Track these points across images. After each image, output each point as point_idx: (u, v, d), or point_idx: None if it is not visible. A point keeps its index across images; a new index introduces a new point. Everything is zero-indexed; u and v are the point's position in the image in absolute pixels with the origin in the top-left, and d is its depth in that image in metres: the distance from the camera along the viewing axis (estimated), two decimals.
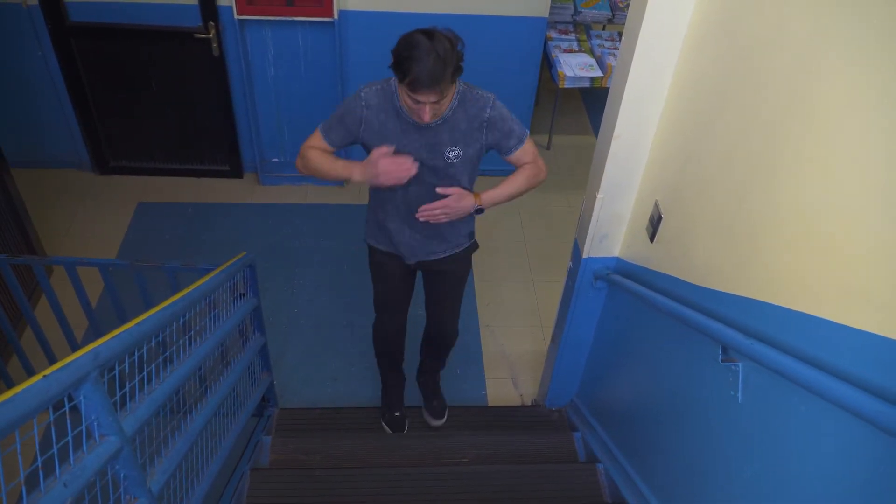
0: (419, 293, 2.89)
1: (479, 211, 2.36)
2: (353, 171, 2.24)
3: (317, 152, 2.31)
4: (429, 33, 1.93)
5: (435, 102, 2.02)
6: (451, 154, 2.24)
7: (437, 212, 2.29)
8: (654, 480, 2.34)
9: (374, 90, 2.20)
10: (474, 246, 2.65)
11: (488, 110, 2.20)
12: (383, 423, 3.24)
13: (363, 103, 2.20)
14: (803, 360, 1.40)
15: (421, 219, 2.29)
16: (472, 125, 2.21)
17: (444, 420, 3.27)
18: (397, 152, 2.21)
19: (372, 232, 2.59)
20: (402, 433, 3.21)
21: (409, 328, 3.04)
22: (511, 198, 2.39)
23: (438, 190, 2.25)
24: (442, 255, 2.57)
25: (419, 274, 2.78)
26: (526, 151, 2.33)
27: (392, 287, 2.76)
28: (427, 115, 2.05)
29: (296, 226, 4.34)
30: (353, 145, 2.34)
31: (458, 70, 2.00)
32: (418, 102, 2.02)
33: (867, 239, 1.24)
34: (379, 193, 2.42)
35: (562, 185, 4.80)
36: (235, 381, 2.50)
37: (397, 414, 3.22)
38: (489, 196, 2.35)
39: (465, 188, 2.35)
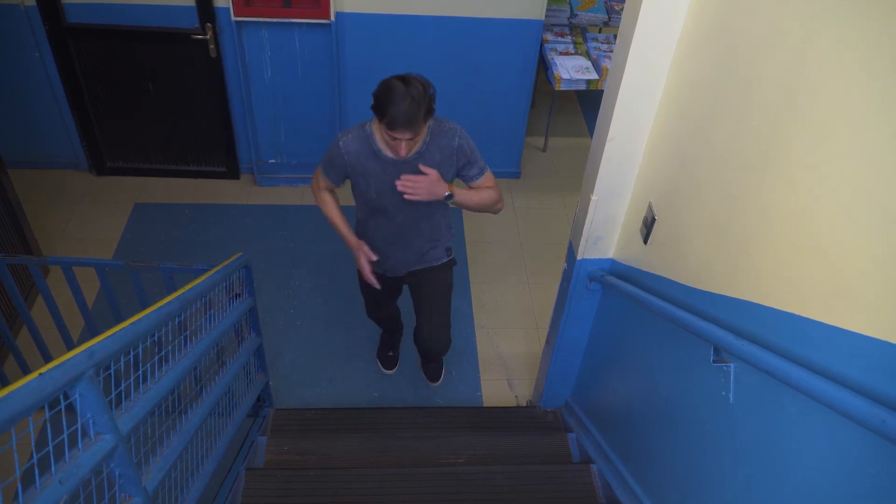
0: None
1: (448, 196, 2.49)
2: (348, 242, 2.68)
3: (329, 203, 2.69)
4: (404, 79, 2.19)
5: (410, 139, 2.26)
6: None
7: (415, 185, 2.42)
8: (648, 481, 2.35)
9: (351, 137, 2.45)
10: (452, 262, 2.89)
11: (457, 139, 2.45)
12: (377, 360, 3.64)
13: (343, 151, 2.46)
14: (794, 360, 1.41)
15: (399, 188, 2.42)
16: (445, 154, 2.45)
17: (440, 381, 3.57)
18: (381, 188, 2.49)
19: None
20: (392, 371, 3.61)
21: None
22: (474, 205, 2.59)
23: (420, 166, 2.43)
24: (425, 265, 2.81)
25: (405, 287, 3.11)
26: (487, 180, 2.58)
27: (378, 294, 2.95)
28: (403, 150, 2.30)
29: (292, 227, 4.35)
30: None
31: (430, 111, 2.26)
32: (395, 139, 2.26)
33: (857, 241, 1.25)
34: (366, 220, 2.68)
35: (557, 186, 4.82)
36: (231, 382, 2.51)
37: (391, 354, 3.61)
38: (460, 192, 2.53)
39: (441, 216, 2.68)
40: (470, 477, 2.82)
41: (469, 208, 2.61)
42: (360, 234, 2.74)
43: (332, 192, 2.71)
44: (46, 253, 3.91)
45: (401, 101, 2.15)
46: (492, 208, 2.63)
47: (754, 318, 1.60)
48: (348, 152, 2.45)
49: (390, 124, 2.20)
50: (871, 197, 1.21)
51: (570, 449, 3.08)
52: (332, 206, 2.70)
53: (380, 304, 3.17)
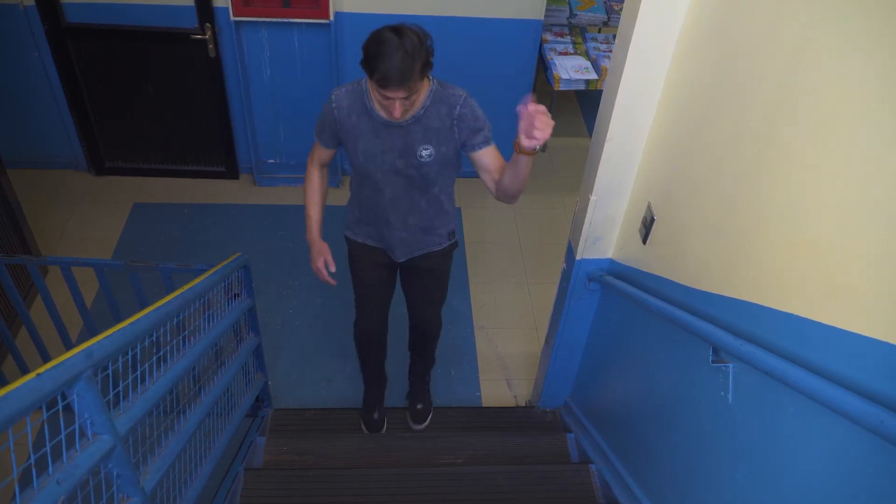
0: (400, 294, 2.89)
1: (541, 149, 2.06)
2: (310, 236, 2.55)
3: (313, 181, 2.50)
4: (397, 30, 1.96)
5: (405, 98, 2.02)
6: (424, 153, 2.23)
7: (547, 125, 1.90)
8: (647, 481, 2.35)
9: (345, 91, 2.24)
10: (454, 245, 2.65)
11: (458, 107, 2.20)
12: (361, 423, 3.25)
13: (334, 105, 2.25)
14: (792, 360, 1.41)
15: (537, 125, 1.88)
16: (445, 124, 2.21)
17: (424, 425, 3.27)
18: (369, 151, 2.26)
19: (351, 225, 2.61)
20: (380, 433, 3.22)
21: (395, 330, 3.03)
22: (527, 174, 2.13)
23: (529, 105, 1.90)
24: (425, 251, 2.58)
25: (398, 274, 2.79)
26: (492, 156, 2.26)
27: (371, 281, 2.75)
28: (397, 111, 2.05)
29: (291, 227, 4.34)
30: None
31: (427, 66, 2.01)
32: (388, 98, 2.02)
33: (855, 241, 1.25)
34: (359, 195, 2.47)
35: (556, 186, 4.82)
36: (229, 382, 2.51)
37: (375, 416, 3.22)
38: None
39: (441, 190, 2.40)
40: (469, 477, 2.82)
41: (525, 173, 2.12)
42: (352, 210, 2.56)
43: (324, 169, 2.51)
44: (45, 253, 3.91)
45: (393, 54, 1.91)
46: (524, 186, 2.21)
47: (753, 318, 1.60)
48: (339, 107, 2.24)
49: (382, 81, 1.95)
50: (869, 197, 1.21)
51: (569, 449, 3.08)
52: (315, 189, 2.49)
53: (373, 298, 2.80)
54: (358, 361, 3.14)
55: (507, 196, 2.26)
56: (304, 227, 2.58)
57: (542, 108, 1.87)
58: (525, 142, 1.92)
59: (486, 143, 2.26)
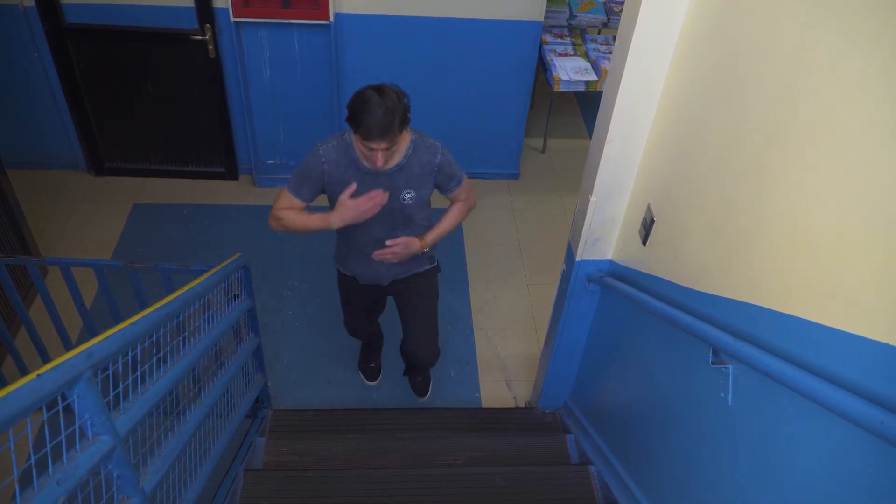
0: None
1: (427, 252, 2.67)
2: (330, 219, 2.42)
3: (292, 213, 2.51)
4: (378, 89, 2.18)
5: (386, 149, 2.25)
6: (407, 196, 2.47)
7: (389, 255, 2.55)
8: (646, 482, 2.35)
9: (331, 146, 2.41)
10: (436, 269, 2.87)
11: (438, 157, 2.45)
12: (359, 371, 3.57)
13: (322, 160, 2.41)
14: (792, 362, 1.41)
15: (376, 258, 2.55)
16: (425, 170, 2.46)
17: (427, 396, 3.49)
18: (359, 197, 2.40)
19: (340, 258, 2.82)
20: (376, 382, 3.55)
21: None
22: (451, 229, 2.67)
23: (388, 242, 2.51)
24: (405, 276, 2.78)
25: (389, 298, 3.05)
26: (462, 190, 2.59)
27: (359, 304, 3.03)
28: (380, 160, 2.28)
29: None
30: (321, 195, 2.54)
31: (405, 120, 2.25)
32: (371, 150, 2.24)
33: (854, 243, 1.25)
34: (345, 231, 2.60)
35: (556, 187, 4.83)
36: (229, 382, 2.51)
37: (372, 365, 3.54)
38: (431, 237, 2.62)
39: (419, 225, 2.62)
40: (468, 478, 2.82)
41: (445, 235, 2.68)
42: (340, 248, 2.76)
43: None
44: (45, 253, 3.91)
45: (375, 110, 2.13)
46: (463, 219, 2.70)
47: (753, 319, 1.60)
48: (328, 161, 2.41)
49: (365, 135, 2.18)
50: (869, 198, 1.21)
51: (569, 450, 3.08)
52: (298, 214, 2.52)
53: (361, 320, 3.14)
54: (335, 355, 3.52)
55: None
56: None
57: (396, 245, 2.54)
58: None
59: (458, 185, 2.58)
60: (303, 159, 2.46)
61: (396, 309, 3.03)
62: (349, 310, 3.09)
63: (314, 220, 2.49)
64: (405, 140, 2.39)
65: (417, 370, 3.41)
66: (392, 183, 2.42)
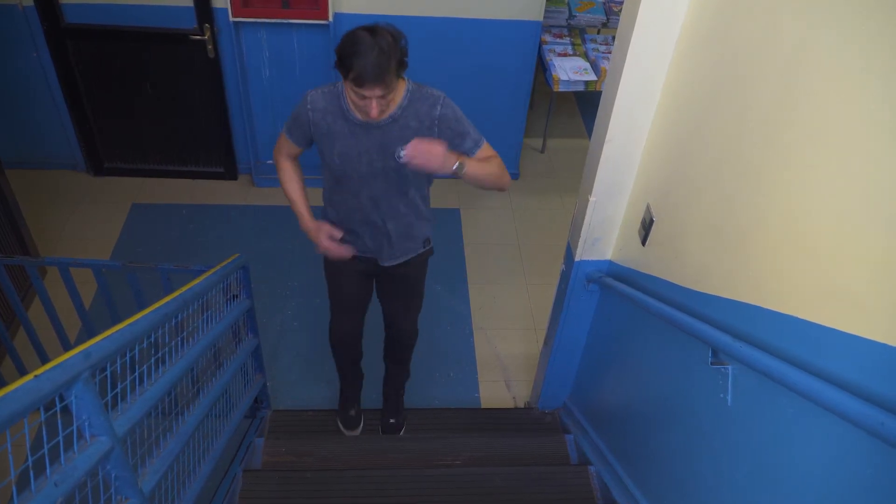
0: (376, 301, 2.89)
1: (459, 167, 2.14)
2: (304, 223, 2.44)
3: (289, 172, 2.45)
4: (371, 29, 1.96)
5: (381, 97, 2.02)
6: (402, 153, 2.14)
7: (426, 151, 2.07)
8: (646, 483, 2.35)
9: (320, 93, 2.22)
10: (430, 252, 2.67)
11: (438, 108, 2.19)
12: (338, 421, 3.23)
13: (309, 106, 2.23)
14: (791, 362, 1.41)
15: (406, 153, 2.07)
16: (423, 124, 2.19)
17: (401, 432, 3.26)
18: (345, 153, 2.24)
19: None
20: (356, 432, 3.21)
21: (369, 334, 3.00)
22: (484, 177, 2.25)
23: (424, 139, 2.09)
24: (403, 259, 2.57)
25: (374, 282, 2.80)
26: (486, 151, 2.28)
27: (347, 290, 2.76)
28: (374, 110, 2.04)
29: (290, 228, 4.33)
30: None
31: (402, 64, 2.02)
32: (364, 98, 2.01)
33: (854, 243, 1.25)
34: (333, 195, 2.44)
35: (556, 187, 4.82)
36: (228, 383, 2.50)
37: (352, 413, 3.21)
38: (471, 163, 2.20)
39: (417, 191, 2.40)
40: (467, 478, 2.82)
41: (479, 182, 2.27)
42: (327, 212, 2.52)
43: (295, 161, 2.47)
44: (44, 253, 3.90)
45: (368, 52, 1.90)
46: (500, 182, 2.32)
47: (752, 319, 1.60)
48: (314, 108, 2.21)
49: (357, 80, 1.94)
50: (868, 199, 1.21)
51: (568, 450, 3.08)
52: (292, 177, 2.46)
53: (349, 306, 2.82)
54: (334, 363, 3.15)
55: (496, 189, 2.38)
56: (299, 229, 2.52)
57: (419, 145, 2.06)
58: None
59: (476, 145, 2.27)
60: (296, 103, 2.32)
61: (378, 290, 2.82)
62: (336, 297, 2.80)
63: (297, 201, 2.46)
64: (401, 88, 2.15)
65: (396, 352, 3.11)
66: (384, 137, 2.19)
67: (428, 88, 2.20)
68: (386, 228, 2.43)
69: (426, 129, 2.20)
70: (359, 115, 2.16)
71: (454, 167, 2.13)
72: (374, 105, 2.03)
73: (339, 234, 2.40)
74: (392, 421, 3.25)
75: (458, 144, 2.23)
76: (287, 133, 2.36)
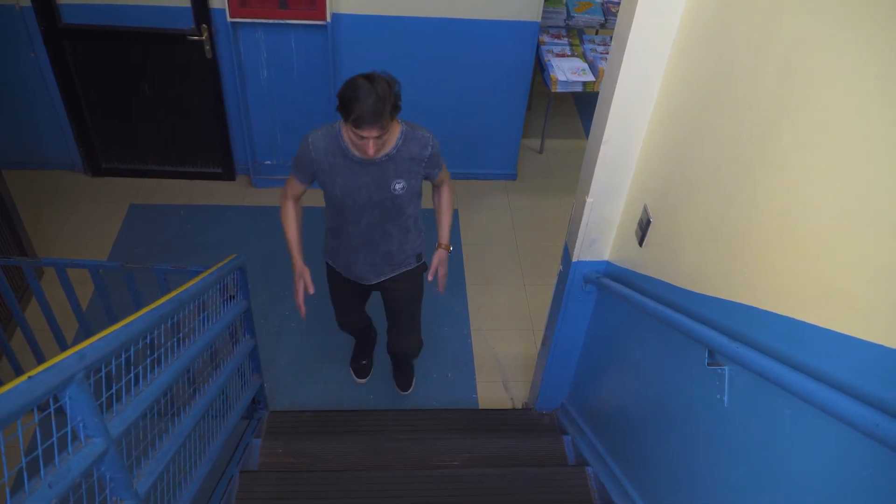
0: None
1: (447, 249, 2.79)
2: (294, 263, 2.69)
3: (290, 216, 2.67)
4: (369, 77, 2.17)
5: (377, 137, 2.23)
6: (398, 186, 2.47)
7: (445, 279, 2.85)
8: (643, 483, 2.35)
9: (320, 135, 2.43)
10: (423, 266, 2.88)
11: (430, 148, 2.46)
12: (350, 369, 3.58)
13: (311, 147, 2.43)
14: (788, 363, 1.41)
15: (441, 288, 2.85)
16: (416, 160, 2.45)
17: (410, 390, 3.53)
18: (347, 186, 2.46)
19: (330, 252, 2.83)
20: (365, 380, 3.56)
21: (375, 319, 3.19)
22: (451, 220, 2.80)
23: (430, 277, 2.81)
24: (392, 275, 2.80)
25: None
26: (443, 173, 2.65)
27: (348, 300, 3.04)
28: (371, 149, 2.26)
29: None
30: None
31: (396, 108, 2.24)
32: (363, 138, 2.23)
33: (850, 244, 1.25)
34: (335, 223, 2.66)
35: (553, 188, 4.82)
36: (225, 384, 2.50)
37: (364, 362, 3.55)
38: (446, 237, 2.77)
39: (409, 217, 2.65)
40: (465, 479, 2.82)
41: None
42: (329, 239, 2.76)
43: (298, 202, 2.69)
44: (41, 254, 3.90)
45: (366, 98, 2.12)
46: (454, 197, 2.82)
47: (749, 320, 1.60)
48: (316, 149, 2.42)
49: (357, 122, 2.17)
50: (865, 199, 1.21)
51: (566, 451, 3.07)
52: (292, 221, 2.68)
53: (350, 310, 3.13)
54: (332, 363, 3.57)
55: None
56: None
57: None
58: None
59: (440, 170, 2.60)
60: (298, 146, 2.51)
61: (383, 303, 3.05)
62: (339, 303, 3.09)
63: (292, 243, 2.68)
64: (396, 129, 2.39)
65: (401, 363, 3.46)
66: (381, 172, 2.43)
67: (418, 129, 2.46)
68: (379, 251, 2.68)
69: (417, 164, 2.47)
70: (357, 153, 2.37)
71: (447, 256, 2.78)
72: (372, 144, 2.25)
73: (311, 289, 2.68)
74: (403, 373, 3.53)
75: (432, 172, 2.56)
76: (294, 172, 2.57)
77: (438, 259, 2.78)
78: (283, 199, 2.66)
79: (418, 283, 2.92)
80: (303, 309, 2.71)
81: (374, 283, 2.81)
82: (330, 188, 2.50)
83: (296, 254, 2.68)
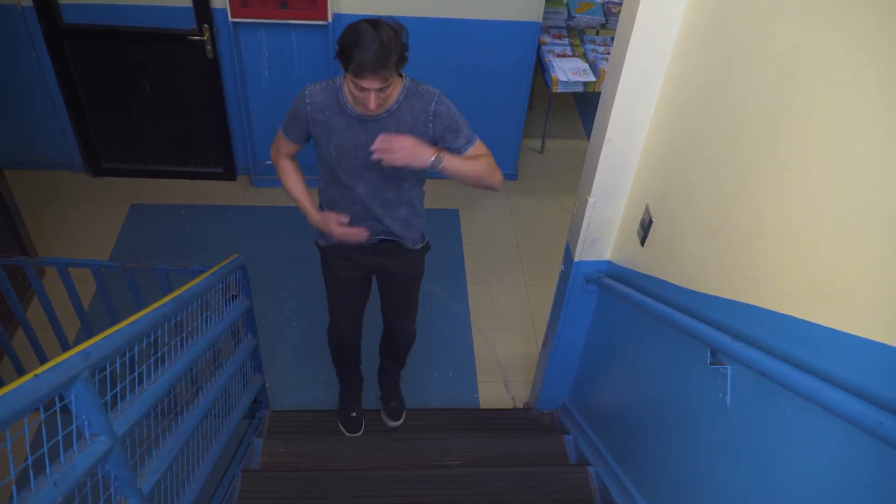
0: (374, 299, 2.88)
1: (436, 161, 2.13)
2: (311, 216, 2.44)
3: (289, 170, 2.46)
4: (374, 23, 1.96)
5: (379, 90, 2.03)
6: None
7: (394, 144, 2.08)
8: (644, 483, 2.35)
9: (319, 88, 2.24)
10: (426, 247, 2.66)
11: (433, 104, 2.20)
12: (339, 424, 3.23)
13: (307, 100, 2.24)
14: (790, 362, 1.41)
15: (376, 147, 2.07)
16: (419, 119, 2.20)
17: (401, 421, 3.26)
18: (342, 146, 2.24)
19: (322, 232, 2.53)
20: (358, 434, 3.20)
21: (367, 330, 3.00)
22: (466, 173, 2.24)
23: (396, 135, 2.11)
24: (402, 241, 2.53)
25: (373, 281, 2.80)
26: (477, 149, 2.29)
27: (345, 290, 2.77)
28: (372, 102, 2.05)
29: (288, 228, 4.34)
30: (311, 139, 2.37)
31: (402, 59, 2.04)
32: (363, 90, 2.02)
33: (851, 243, 1.26)
34: (329, 195, 2.45)
35: (554, 188, 4.83)
36: (227, 383, 2.50)
37: (353, 415, 3.21)
38: (450, 157, 2.18)
39: (413, 185, 2.40)
40: (466, 479, 2.82)
41: (461, 178, 2.24)
42: (322, 209, 2.51)
43: (293, 159, 2.48)
44: (42, 254, 3.90)
45: (370, 44, 1.92)
46: (488, 180, 2.31)
47: (750, 320, 1.61)
48: (313, 102, 2.22)
49: (357, 71, 1.96)
50: (865, 199, 1.21)
51: (567, 451, 3.08)
52: (292, 174, 2.47)
53: (348, 306, 2.81)
54: (333, 366, 3.17)
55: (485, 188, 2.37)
56: (300, 228, 2.55)
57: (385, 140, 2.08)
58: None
59: (469, 143, 2.27)
60: (293, 99, 2.31)
61: (378, 291, 2.83)
62: (335, 295, 2.80)
63: (300, 198, 2.46)
64: (398, 85, 2.17)
65: (393, 352, 3.12)
66: (380, 131, 2.16)
67: (424, 85, 2.22)
68: (384, 223, 2.45)
69: (421, 125, 2.21)
70: (356, 109, 2.17)
71: (431, 160, 2.12)
72: (373, 97, 2.04)
73: (345, 218, 2.38)
74: (393, 404, 3.26)
75: (451, 141, 2.25)
76: (284, 131, 2.37)
77: (421, 143, 2.13)
78: (277, 159, 2.47)
79: (420, 267, 2.69)
80: (353, 232, 2.38)
81: (375, 240, 2.50)
82: (325, 148, 2.29)
83: (308, 206, 2.46)
